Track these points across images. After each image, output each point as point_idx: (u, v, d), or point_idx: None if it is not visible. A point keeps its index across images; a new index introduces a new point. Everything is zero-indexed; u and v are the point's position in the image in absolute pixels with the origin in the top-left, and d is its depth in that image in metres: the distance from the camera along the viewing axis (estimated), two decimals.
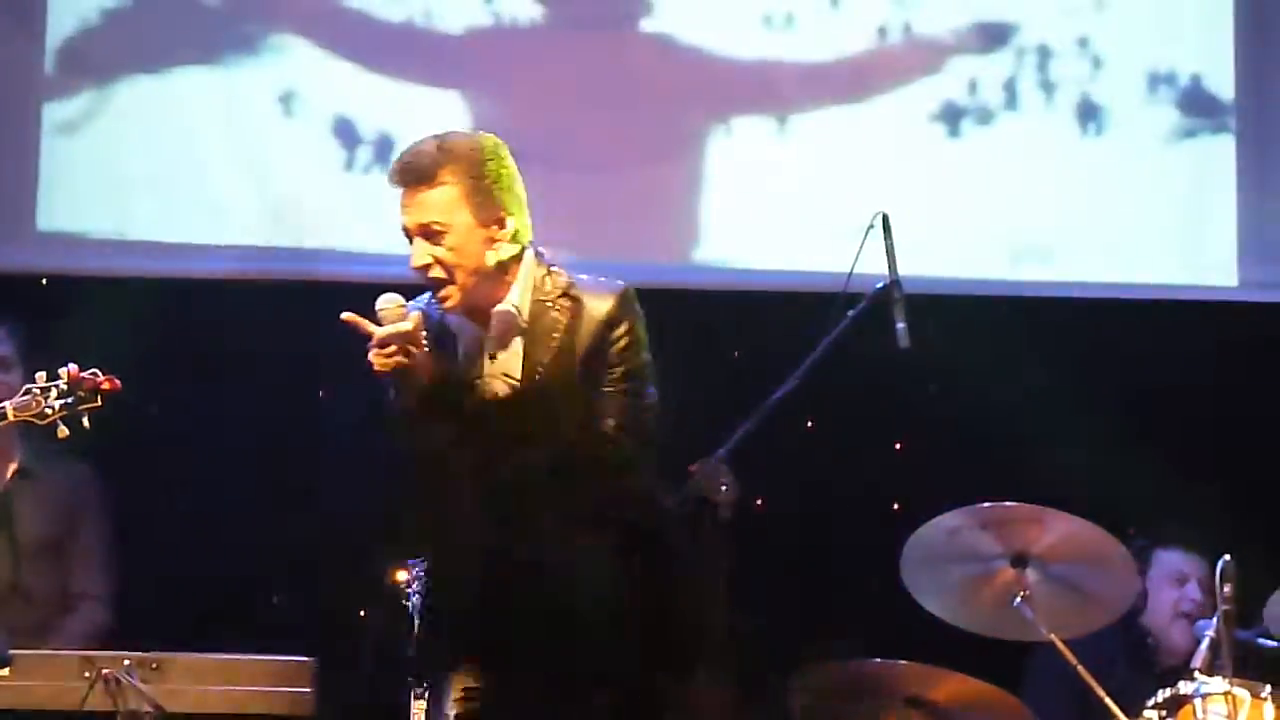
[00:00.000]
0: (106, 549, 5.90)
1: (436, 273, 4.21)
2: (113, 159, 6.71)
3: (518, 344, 4.26)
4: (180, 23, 6.77)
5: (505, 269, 4.26)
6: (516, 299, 4.25)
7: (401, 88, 6.72)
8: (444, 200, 4.21)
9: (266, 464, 6.55)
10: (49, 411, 4.48)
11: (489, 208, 4.23)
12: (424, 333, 4.16)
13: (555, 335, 4.21)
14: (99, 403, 4.50)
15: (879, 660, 5.51)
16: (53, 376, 4.51)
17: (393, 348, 4.11)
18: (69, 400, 4.48)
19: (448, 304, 4.24)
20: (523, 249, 4.29)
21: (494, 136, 4.37)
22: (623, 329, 4.22)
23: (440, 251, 4.20)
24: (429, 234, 4.20)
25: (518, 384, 4.19)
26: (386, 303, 4.18)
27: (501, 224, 4.23)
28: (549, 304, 4.24)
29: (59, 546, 5.79)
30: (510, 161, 4.31)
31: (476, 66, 6.76)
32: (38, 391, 4.49)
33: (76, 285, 6.73)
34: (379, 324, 4.14)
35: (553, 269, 4.30)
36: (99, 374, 4.50)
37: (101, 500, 5.92)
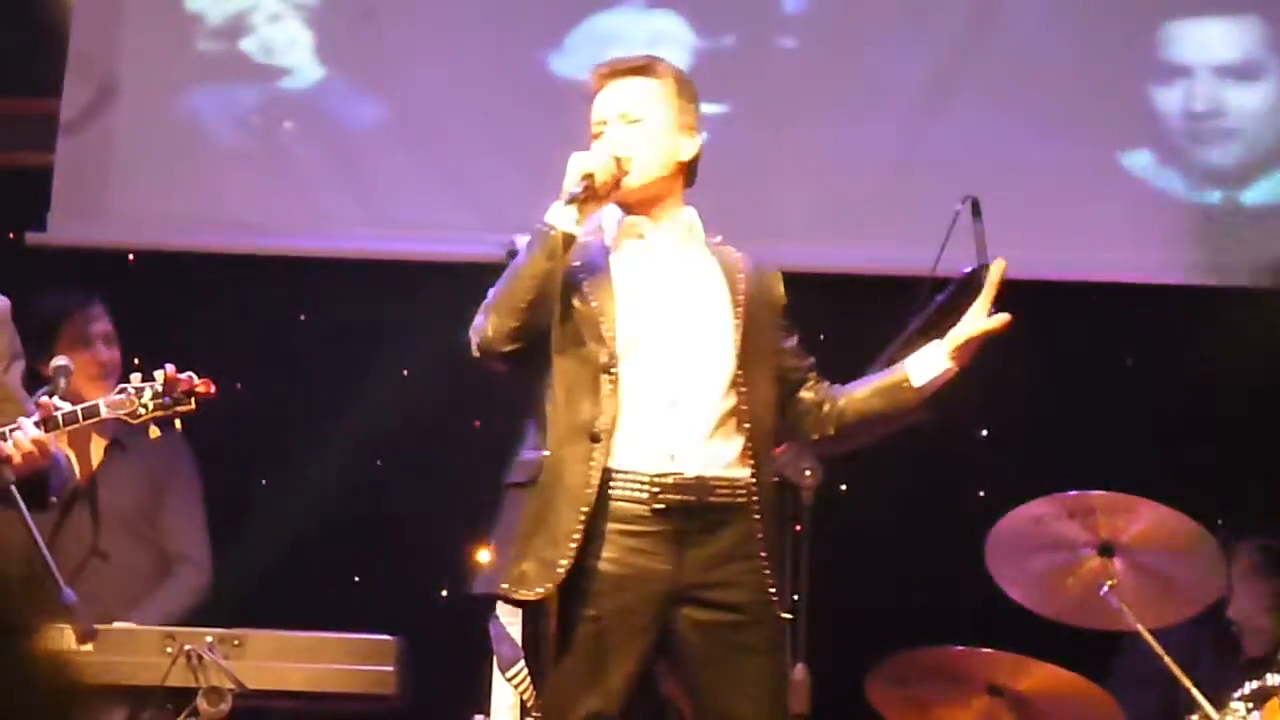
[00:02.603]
0: (201, 515, 5.89)
1: (623, 154, 4.22)
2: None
3: (714, 268, 4.29)
4: None
5: (676, 182, 4.30)
6: (689, 216, 4.31)
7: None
8: (652, 90, 4.27)
9: (350, 442, 6.57)
10: (142, 411, 4.48)
11: (687, 114, 4.30)
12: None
13: (742, 275, 4.27)
14: (193, 405, 4.49)
15: (962, 647, 5.47)
16: (148, 376, 4.51)
17: (588, 170, 4.13)
18: (164, 400, 4.48)
19: (624, 179, 4.20)
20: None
21: None
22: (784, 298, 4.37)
23: (633, 136, 4.22)
24: (627, 119, 4.24)
25: (738, 309, 4.26)
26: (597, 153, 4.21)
27: (692, 133, 4.30)
28: (714, 244, 4.30)
29: (150, 516, 5.79)
30: None
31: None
32: (132, 390, 4.49)
33: (164, 261, 6.77)
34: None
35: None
36: (195, 377, 4.50)
37: (193, 468, 5.91)
